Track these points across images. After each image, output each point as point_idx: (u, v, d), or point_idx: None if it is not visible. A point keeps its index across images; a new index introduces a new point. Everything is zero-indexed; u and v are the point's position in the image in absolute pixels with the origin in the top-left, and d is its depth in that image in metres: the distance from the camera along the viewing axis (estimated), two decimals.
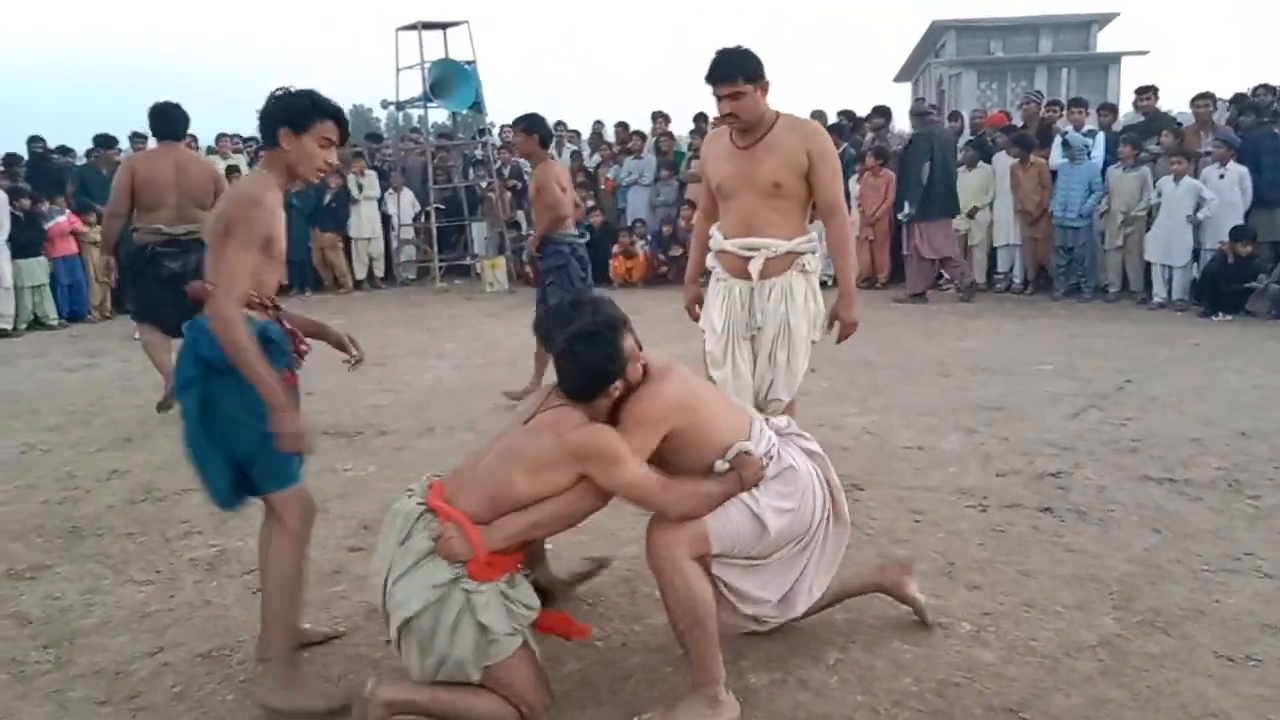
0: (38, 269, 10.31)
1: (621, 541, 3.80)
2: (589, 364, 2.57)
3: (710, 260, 3.97)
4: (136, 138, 11.12)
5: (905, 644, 3.03)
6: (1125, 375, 6.46)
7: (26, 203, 10.15)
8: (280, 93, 2.79)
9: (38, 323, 10.38)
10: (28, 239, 10.05)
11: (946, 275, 10.57)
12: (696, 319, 4.12)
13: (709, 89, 3.69)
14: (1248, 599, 3.30)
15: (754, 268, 3.78)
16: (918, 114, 10.85)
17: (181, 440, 2.83)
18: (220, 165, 12.24)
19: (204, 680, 2.99)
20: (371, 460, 5.13)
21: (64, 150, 12.72)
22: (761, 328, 3.80)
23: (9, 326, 9.97)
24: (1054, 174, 9.77)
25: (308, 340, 3.03)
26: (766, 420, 2.88)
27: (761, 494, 2.68)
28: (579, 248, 6.27)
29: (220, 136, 12.99)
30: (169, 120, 6.06)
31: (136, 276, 6.06)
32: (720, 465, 2.68)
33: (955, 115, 11.89)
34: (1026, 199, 9.87)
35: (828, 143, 3.81)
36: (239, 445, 2.74)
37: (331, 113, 2.79)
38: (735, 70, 3.62)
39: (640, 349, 2.69)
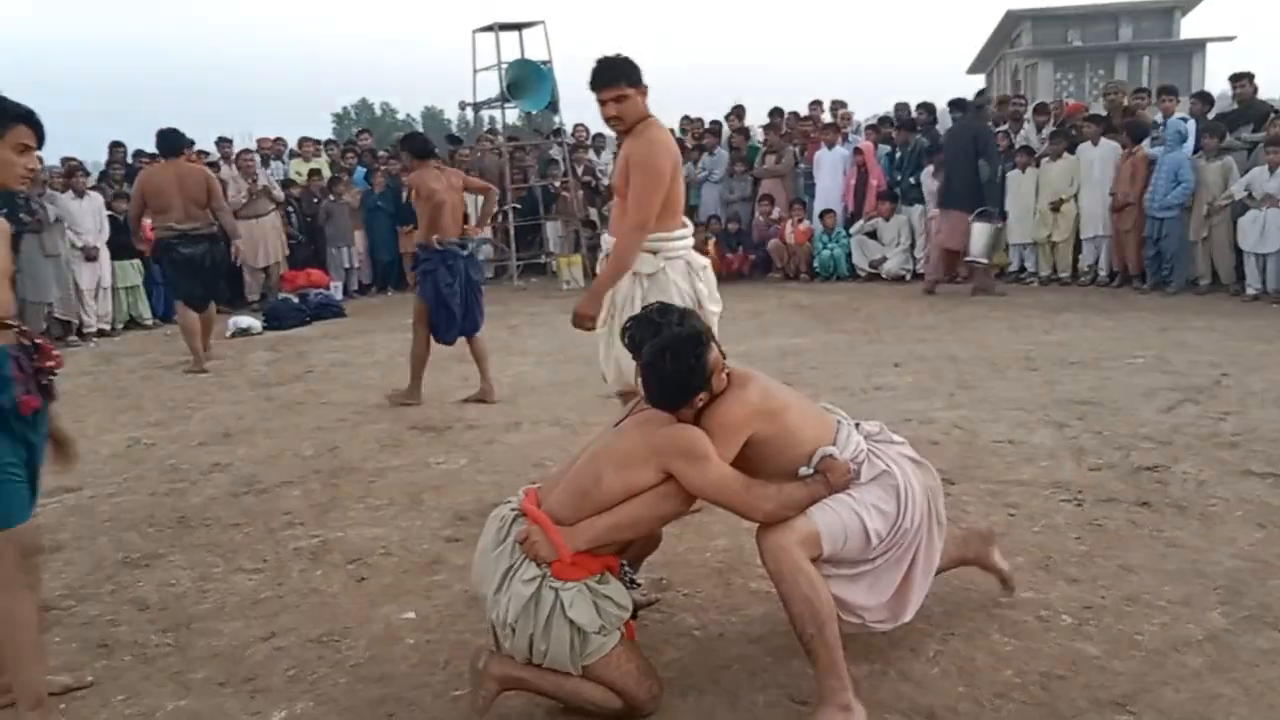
0: (132, 271, 10.70)
1: (713, 534, 3.83)
2: (674, 376, 2.61)
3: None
4: (141, 155, 11.74)
5: (1005, 636, 3.01)
6: (1221, 369, 6.29)
7: (124, 206, 10.52)
8: None
9: (133, 322, 10.76)
10: (121, 241, 10.43)
11: (963, 273, 10.48)
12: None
13: (593, 94, 3.87)
14: None
15: (600, 265, 4.07)
16: (955, 105, 10.87)
17: None
18: (304, 168, 12.64)
19: (316, 664, 3.10)
20: (463, 454, 5.24)
21: (149, 155, 13.13)
22: (613, 318, 3.92)
23: (108, 326, 10.36)
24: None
25: (57, 354, 2.73)
26: (857, 425, 2.88)
27: (858, 493, 2.69)
28: (450, 258, 6.36)
29: (303, 140, 13.31)
30: (171, 141, 7.82)
31: (160, 264, 8.37)
32: (805, 470, 2.70)
33: (1042, 107, 11.66)
34: (1126, 188, 9.65)
35: (648, 152, 3.85)
36: None
37: (22, 116, 2.68)
38: (619, 75, 3.82)
39: (724, 358, 2.71)
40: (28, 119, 2.69)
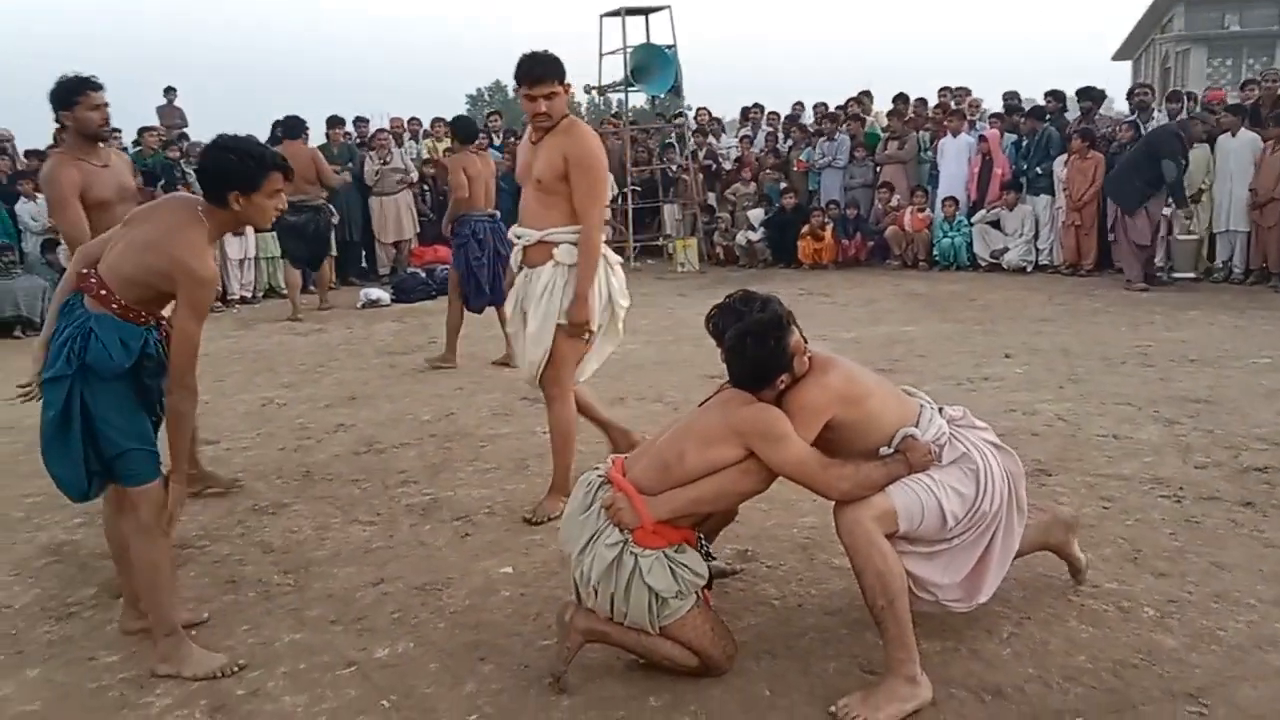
0: (271, 242, 11.28)
1: (801, 512, 3.93)
2: (756, 359, 2.72)
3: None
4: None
5: (1082, 624, 3.03)
6: None
7: None
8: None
9: (272, 291, 11.39)
10: None
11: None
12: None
13: (521, 88, 3.93)
14: None
15: (514, 256, 4.19)
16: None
17: (43, 431, 2.92)
18: (437, 148, 13.08)
19: (419, 609, 3.34)
20: None
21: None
22: (528, 312, 4.05)
23: (250, 294, 11.02)
24: None
25: None
26: (940, 410, 2.93)
27: (938, 474, 2.76)
28: (481, 230, 7.17)
29: (435, 121, 13.73)
30: (291, 127, 9.38)
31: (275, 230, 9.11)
32: (885, 450, 2.77)
33: (1175, 95, 11.18)
34: (1269, 184, 9.21)
35: (587, 150, 3.91)
36: (106, 445, 2.86)
37: (278, 165, 2.94)
38: (552, 72, 3.91)
39: (805, 343, 2.81)
40: (281, 167, 2.95)
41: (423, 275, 11.25)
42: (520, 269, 4.19)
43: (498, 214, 7.30)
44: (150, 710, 2.81)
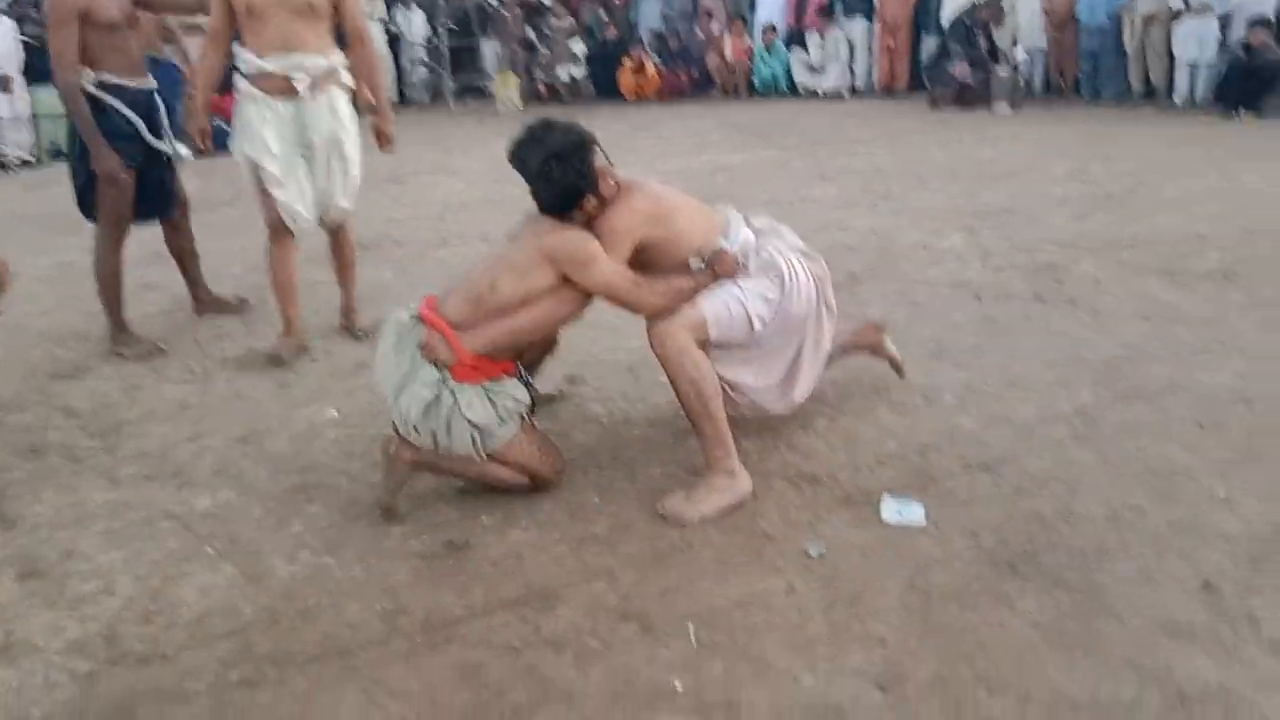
0: (48, 99, 10.32)
1: (623, 334, 3.97)
2: (562, 181, 2.69)
3: (242, 84, 4.01)
4: None
5: (891, 413, 3.23)
6: (1138, 177, 6.45)
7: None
8: None
9: (63, 153, 10.43)
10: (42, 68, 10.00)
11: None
12: (203, 151, 4.35)
13: None
14: (1227, 376, 3.44)
15: (304, 86, 3.92)
16: None
17: None
18: None
19: (240, 459, 3.24)
20: (389, 268, 5.30)
21: None
22: (313, 142, 3.98)
23: (31, 156, 10.09)
24: None
25: None
26: (746, 219, 2.98)
27: (745, 282, 2.82)
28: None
29: None
30: None
31: None
32: (695, 263, 2.81)
33: None
34: (1061, 4, 9.54)
35: None
36: None
37: None
38: None
39: (611, 165, 2.78)
40: None
41: (224, 126, 10.50)
42: (271, 101, 3.95)
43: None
44: None
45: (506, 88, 12.18)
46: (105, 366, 4.16)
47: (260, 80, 3.93)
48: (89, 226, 4.47)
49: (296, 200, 4.02)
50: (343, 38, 4.06)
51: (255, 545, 2.71)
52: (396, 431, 2.80)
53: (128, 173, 4.18)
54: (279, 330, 4.22)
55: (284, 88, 3.90)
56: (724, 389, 2.84)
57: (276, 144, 3.96)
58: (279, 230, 4.08)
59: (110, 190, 4.18)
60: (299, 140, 3.97)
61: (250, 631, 2.31)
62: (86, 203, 4.33)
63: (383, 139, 4.20)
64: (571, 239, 2.71)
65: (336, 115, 4.00)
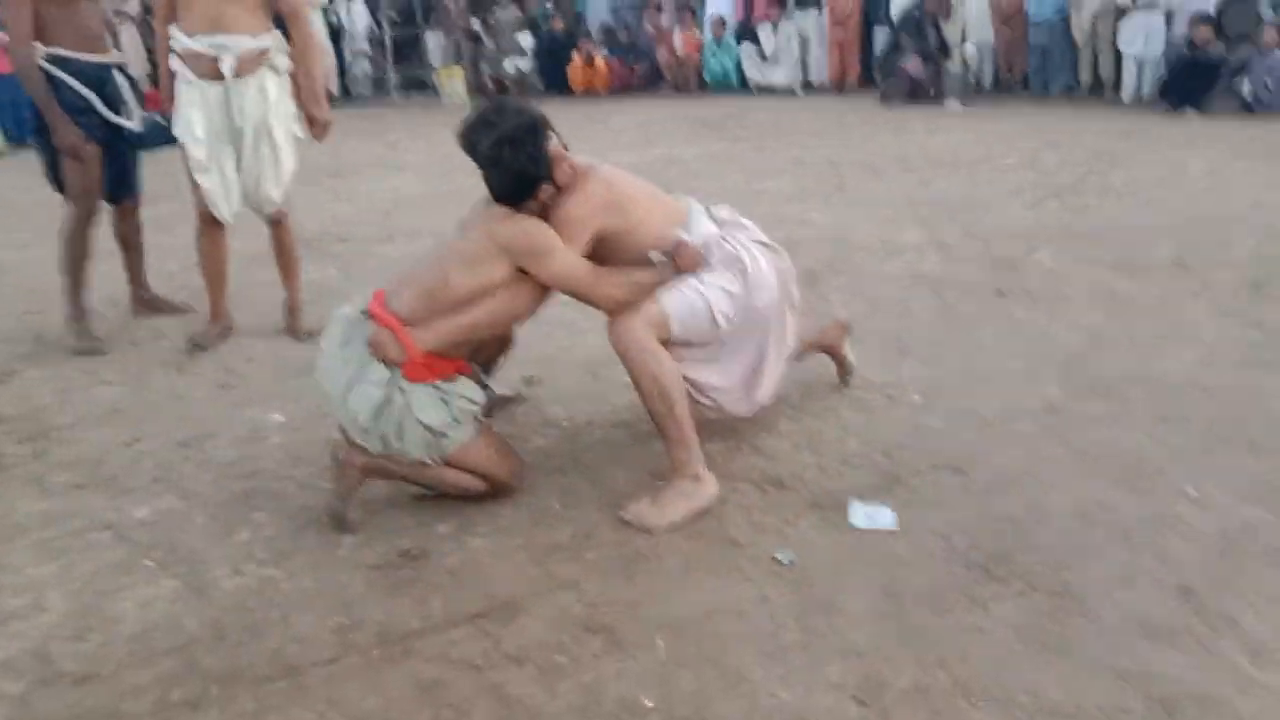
0: None
1: (580, 330, 3.88)
2: (514, 167, 2.56)
3: (175, 64, 3.88)
4: None
5: (855, 413, 3.16)
6: (1088, 167, 6.49)
7: None
8: None
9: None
10: None
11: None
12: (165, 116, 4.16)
13: None
14: (1186, 365, 3.44)
15: (226, 67, 3.75)
16: None
17: None
18: None
19: (180, 465, 3.09)
20: (333, 265, 5.14)
21: None
22: (242, 128, 3.84)
23: None
24: None
25: None
26: (708, 210, 2.89)
27: (708, 276, 2.72)
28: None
29: None
30: None
31: None
32: (655, 255, 2.71)
33: None
34: None
35: None
36: None
37: None
38: None
39: (566, 149, 2.66)
40: None
41: (162, 121, 10.20)
42: (200, 84, 3.79)
43: None
44: None
45: (452, 80, 11.99)
46: (33, 369, 3.96)
47: (189, 60, 3.77)
48: (20, 223, 4.28)
49: (219, 188, 3.87)
50: (281, 21, 3.90)
51: (198, 556, 2.57)
52: (345, 435, 2.67)
53: (92, 145, 4.00)
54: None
55: (212, 70, 3.75)
56: (689, 390, 2.75)
57: (202, 128, 3.81)
58: (207, 219, 3.93)
59: (76, 165, 4.01)
60: (226, 126, 3.82)
61: (194, 648, 2.18)
62: (58, 179, 4.16)
63: (315, 125, 3.98)
64: (526, 228, 2.59)
65: (266, 99, 3.83)
